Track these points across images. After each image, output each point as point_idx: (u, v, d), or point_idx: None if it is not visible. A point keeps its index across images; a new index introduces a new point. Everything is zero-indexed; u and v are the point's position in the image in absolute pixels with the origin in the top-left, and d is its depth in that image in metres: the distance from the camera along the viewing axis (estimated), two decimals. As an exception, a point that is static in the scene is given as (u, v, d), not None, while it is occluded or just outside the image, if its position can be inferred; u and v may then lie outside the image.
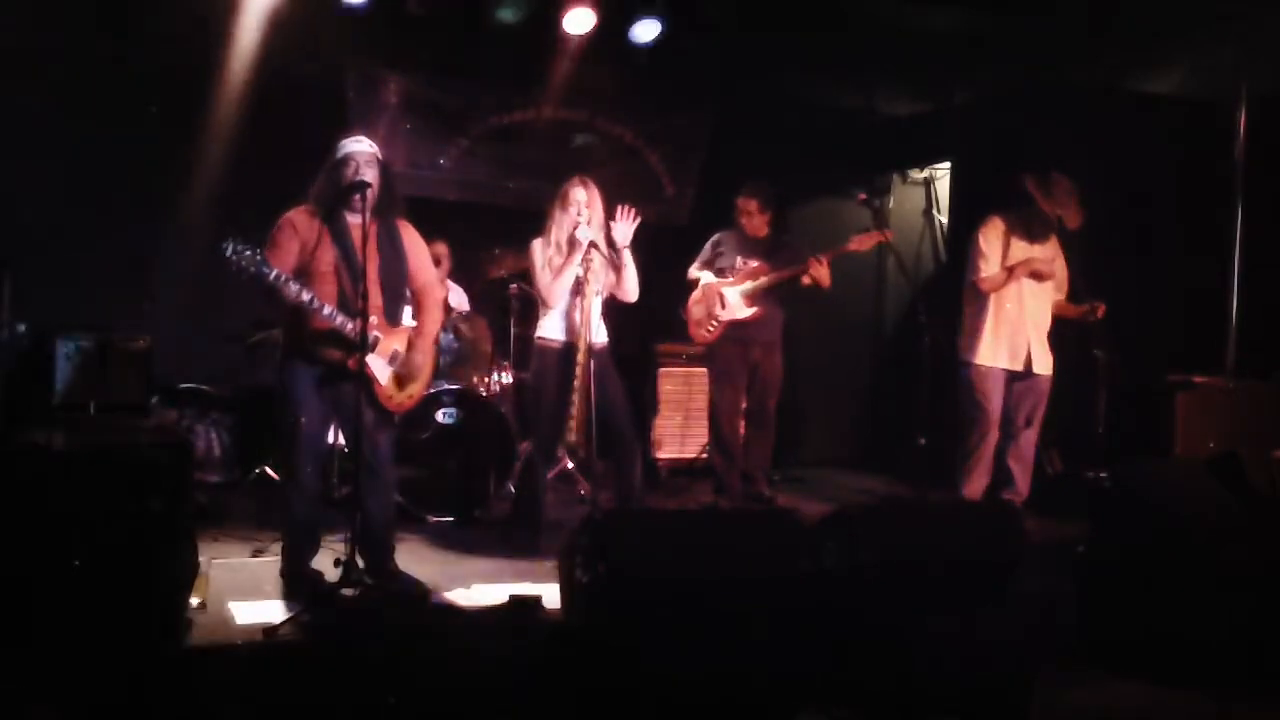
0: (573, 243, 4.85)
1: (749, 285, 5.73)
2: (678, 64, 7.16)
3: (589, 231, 4.84)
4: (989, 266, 5.46)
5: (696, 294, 5.85)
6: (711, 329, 5.79)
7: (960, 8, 6.63)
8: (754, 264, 5.76)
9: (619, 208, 4.90)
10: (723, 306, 5.75)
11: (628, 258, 4.91)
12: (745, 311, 5.73)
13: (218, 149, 6.40)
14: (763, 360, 5.79)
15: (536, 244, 4.99)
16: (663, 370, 7.10)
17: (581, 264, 4.83)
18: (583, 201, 4.89)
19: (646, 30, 6.84)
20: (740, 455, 5.93)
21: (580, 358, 4.82)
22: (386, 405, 4.31)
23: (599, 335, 5.01)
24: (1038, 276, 5.46)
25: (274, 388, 4.33)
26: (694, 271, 5.89)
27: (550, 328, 4.98)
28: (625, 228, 4.86)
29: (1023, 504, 5.48)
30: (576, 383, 4.82)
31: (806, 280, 5.67)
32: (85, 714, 2.83)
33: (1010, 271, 5.42)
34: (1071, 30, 6.54)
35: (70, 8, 5.99)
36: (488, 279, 6.40)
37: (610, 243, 4.88)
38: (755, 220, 5.83)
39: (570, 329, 4.91)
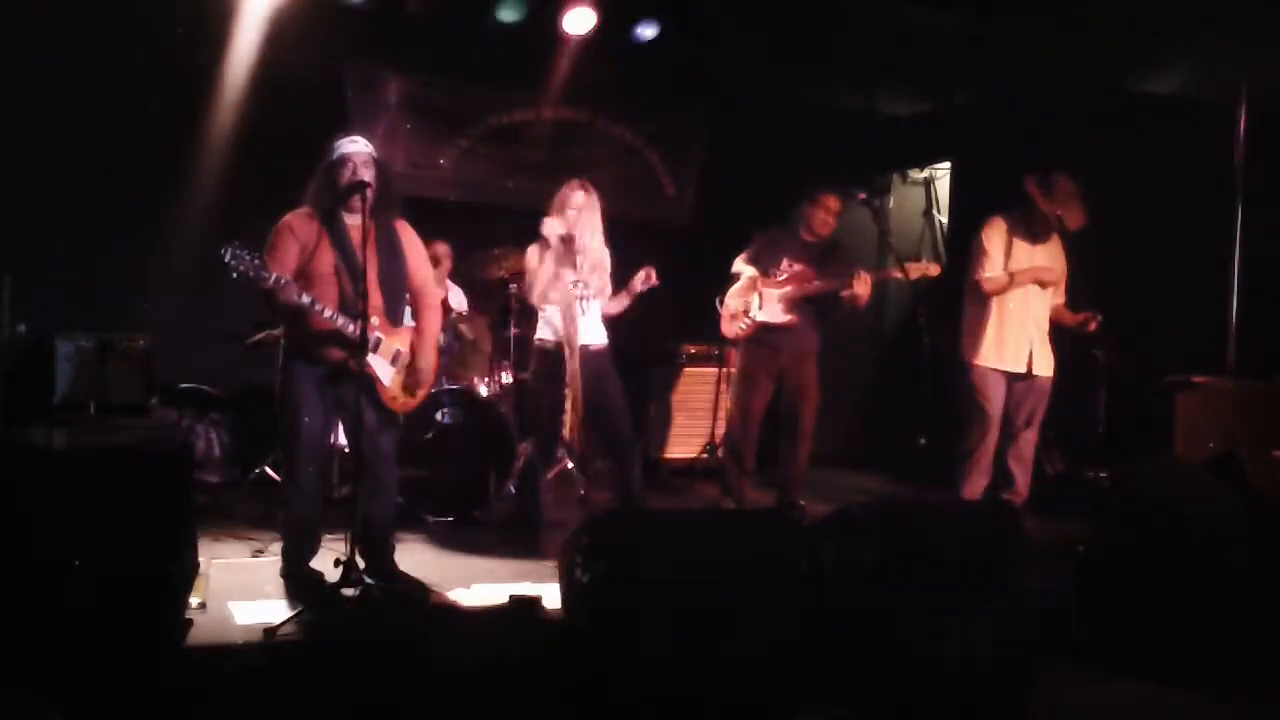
0: (548, 244, 4.94)
1: (790, 290, 5.65)
2: (678, 64, 7.16)
3: (556, 226, 4.90)
4: (992, 267, 5.45)
5: (737, 287, 5.71)
6: (743, 327, 5.66)
7: (960, 8, 6.63)
8: (798, 268, 5.63)
9: (644, 271, 5.04)
10: (759, 307, 5.66)
11: (624, 300, 5.12)
12: (780, 317, 5.61)
13: (217, 149, 6.40)
14: (792, 367, 5.66)
15: (532, 248, 5.06)
16: (663, 370, 7.09)
17: (557, 263, 4.88)
18: (576, 203, 4.95)
19: (646, 31, 6.85)
20: (750, 459, 5.85)
21: (566, 356, 4.85)
22: (390, 406, 4.32)
23: (596, 337, 5.03)
24: (1041, 284, 5.46)
25: (275, 388, 4.33)
26: (739, 265, 5.74)
27: (544, 329, 5.05)
28: (642, 283, 5.05)
29: (1023, 504, 5.48)
30: (567, 382, 4.84)
31: (847, 294, 5.56)
32: (86, 714, 2.83)
33: (1013, 277, 5.42)
34: (1071, 30, 6.54)
35: (70, 7, 5.99)
36: (486, 279, 6.40)
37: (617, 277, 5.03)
38: (830, 220, 5.66)
39: (560, 330, 4.95)
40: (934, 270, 5.66)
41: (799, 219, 5.71)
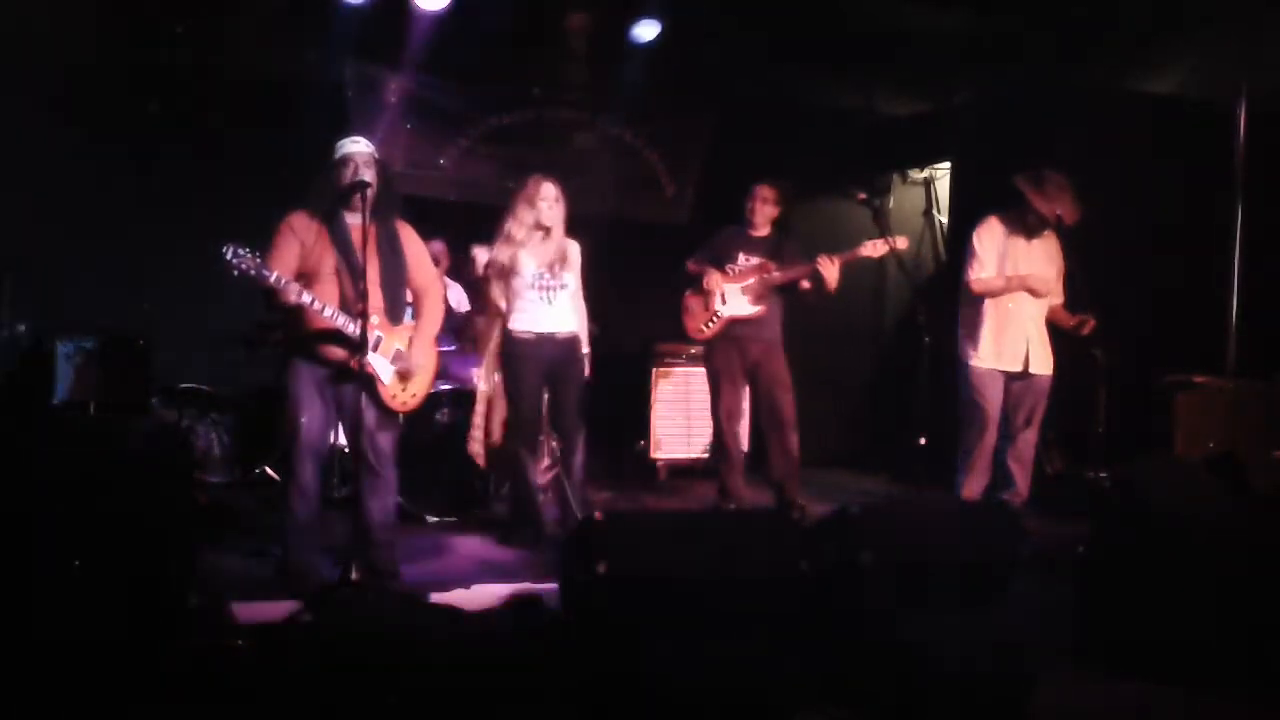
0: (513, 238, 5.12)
1: (752, 282, 5.68)
2: (678, 64, 7.16)
3: (529, 218, 5.06)
4: (980, 269, 5.47)
5: (696, 289, 5.79)
6: (710, 325, 5.72)
7: (960, 8, 6.63)
8: (756, 261, 5.72)
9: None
10: (723, 303, 5.70)
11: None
12: (748, 309, 5.67)
13: (217, 149, 6.40)
14: (763, 360, 5.72)
15: (501, 244, 5.17)
16: (662, 370, 7.10)
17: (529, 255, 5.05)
18: (549, 195, 5.09)
19: (646, 30, 6.85)
20: (741, 457, 5.87)
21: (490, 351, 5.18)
22: (390, 405, 4.32)
23: (563, 325, 5.15)
24: (1033, 293, 5.44)
25: (276, 388, 4.33)
26: (694, 266, 5.81)
27: (517, 320, 5.13)
28: None
29: (1023, 504, 5.47)
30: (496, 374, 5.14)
31: (806, 284, 5.60)
32: (87, 714, 2.83)
33: (1008, 281, 5.42)
34: (1071, 30, 6.55)
35: (70, 7, 5.99)
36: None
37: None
38: (768, 210, 5.75)
39: (537, 322, 5.11)
40: (902, 243, 5.66)
41: (745, 215, 5.82)
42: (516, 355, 5.14)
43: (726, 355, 5.74)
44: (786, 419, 5.70)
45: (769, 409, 5.73)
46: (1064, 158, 5.65)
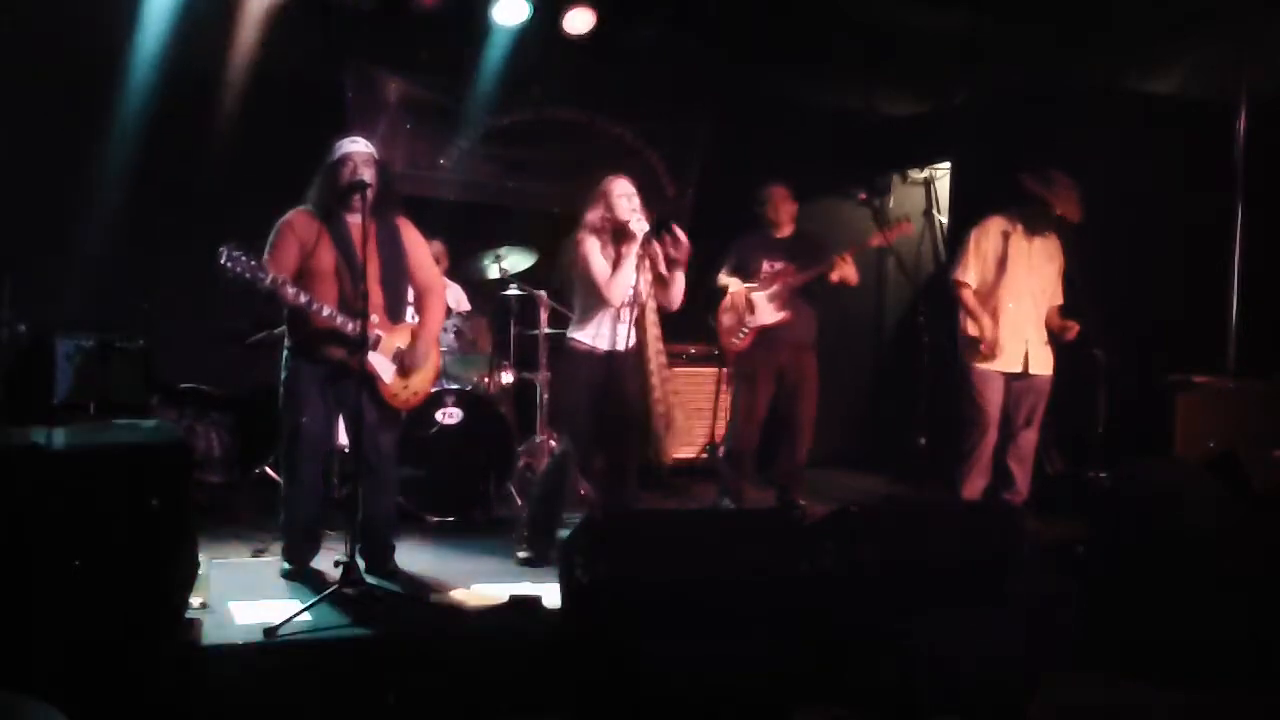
0: (627, 236, 4.64)
1: (776, 288, 5.68)
2: (678, 64, 7.16)
3: (644, 224, 4.63)
4: (965, 272, 5.51)
5: (725, 301, 5.77)
6: (742, 336, 5.71)
7: (959, 8, 6.62)
8: (779, 266, 5.70)
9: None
10: (752, 312, 5.69)
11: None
12: (775, 315, 5.66)
13: (217, 149, 6.39)
14: (790, 363, 5.70)
15: (590, 243, 4.68)
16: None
17: (638, 258, 4.64)
18: (632, 193, 4.69)
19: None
20: (748, 460, 5.86)
21: (650, 366, 4.76)
22: (392, 403, 4.32)
23: (624, 340, 4.73)
24: (987, 348, 5.41)
25: (277, 386, 4.33)
26: (722, 279, 5.80)
27: (590, 333, 4.72)
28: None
29: (1023, 504, 5.48)
30: (656, 395, 4.74)
31: (835, 277, 5.61)
32: (86, 714, 2.83)
33: (989, 300, 5.43)
34: (1071, 30, 6.54)
35: (72, 7, 5.99)
36: (488, 279, 6.39)
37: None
38: (784, 208, 5.76)
39: (618, 334, 4.70)
40: (909, 229, 5.68)
41: (762, 220, 5.81)
42: (578, 369, 4.72)
43: (755, 358, 5.74)
44: (804, 422, 5.72)
45: (788, 411, 5.74)
46: (1064, 158, 5.65)
